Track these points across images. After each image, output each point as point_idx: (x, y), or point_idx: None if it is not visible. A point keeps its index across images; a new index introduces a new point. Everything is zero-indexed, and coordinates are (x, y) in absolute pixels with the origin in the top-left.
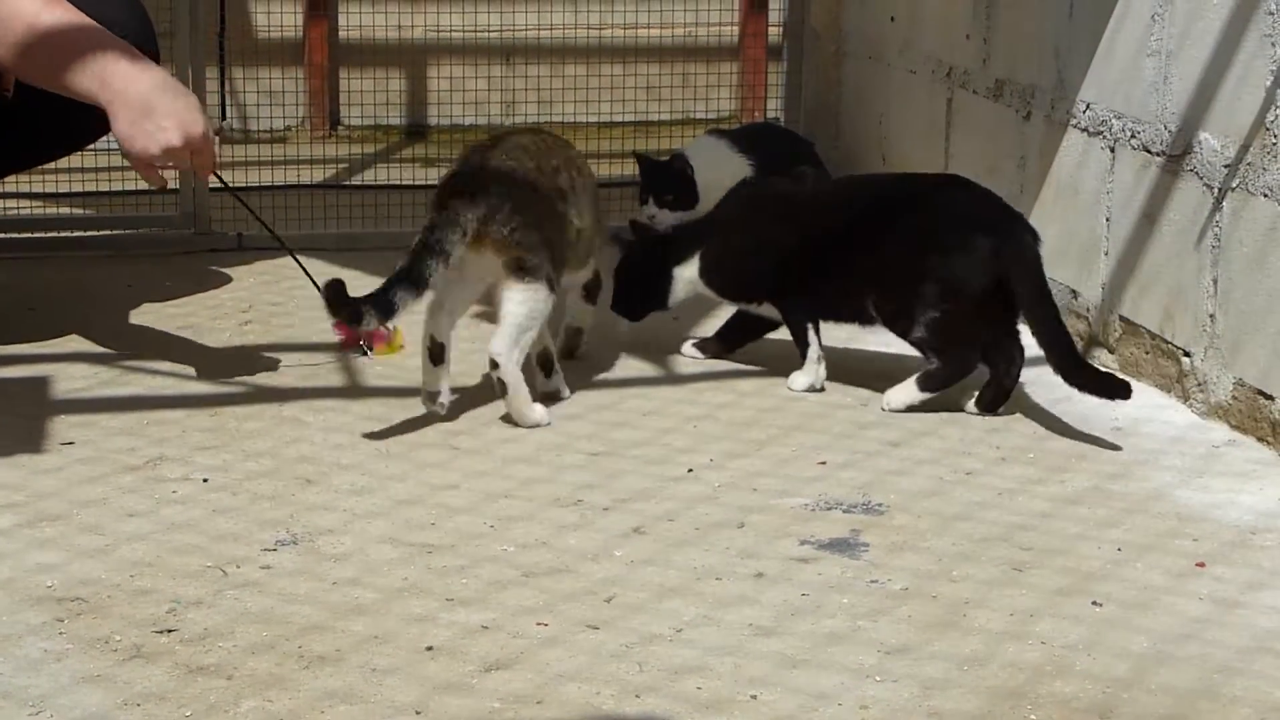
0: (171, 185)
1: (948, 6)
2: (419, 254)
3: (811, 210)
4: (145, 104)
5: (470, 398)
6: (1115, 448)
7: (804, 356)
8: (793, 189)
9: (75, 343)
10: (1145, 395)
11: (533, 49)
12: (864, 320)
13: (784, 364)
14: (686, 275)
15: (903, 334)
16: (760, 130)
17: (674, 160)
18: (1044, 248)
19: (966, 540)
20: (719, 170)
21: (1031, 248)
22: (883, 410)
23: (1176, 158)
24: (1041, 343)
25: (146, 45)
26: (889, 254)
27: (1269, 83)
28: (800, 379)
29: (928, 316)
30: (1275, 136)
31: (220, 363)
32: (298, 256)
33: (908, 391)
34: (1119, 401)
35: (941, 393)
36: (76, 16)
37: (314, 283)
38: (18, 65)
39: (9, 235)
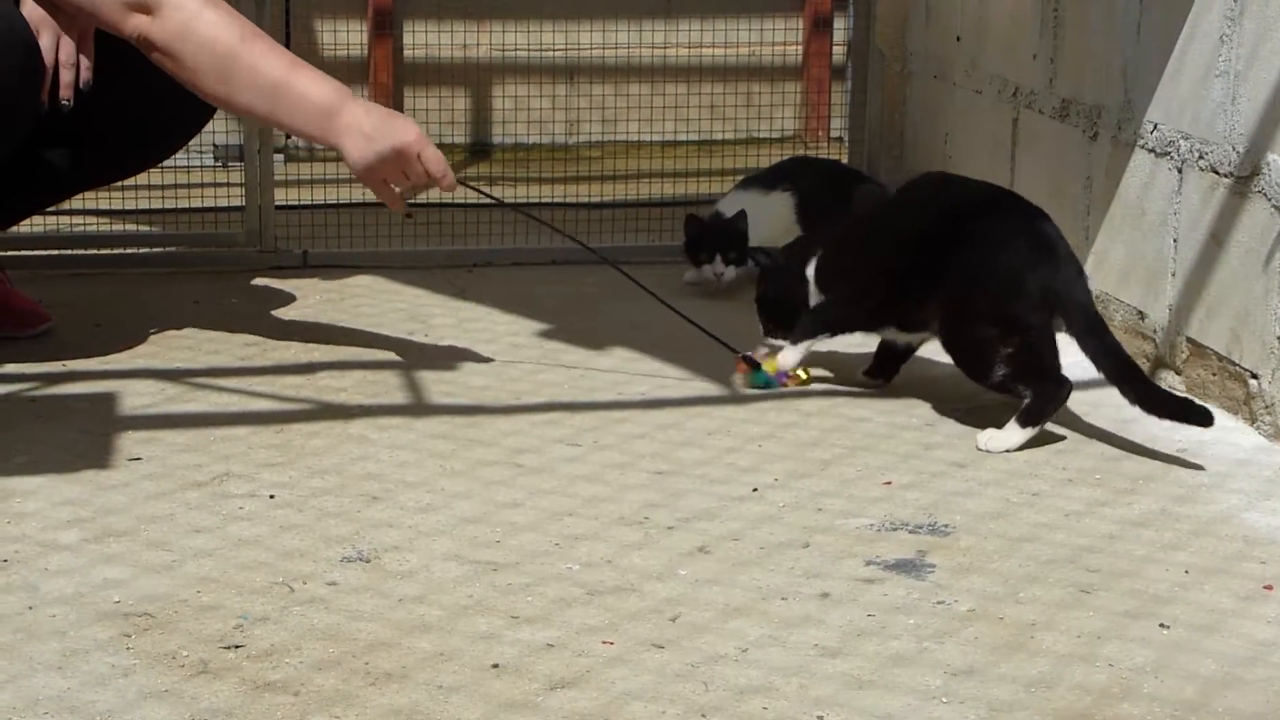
0: (237, 203)
1: (1014, 26)
2: None
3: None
4: (369, 129)
5: (532, 417)
6: (1182, 470)
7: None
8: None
9: (141, 359)
10: None
11: (596, 68)
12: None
13: (848, 385)
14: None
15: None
16: (794, 165)
17: (737, 219)
18: (1111, 269)
19: (1033, 562)
20: (762, 215)
21: (1075, 282)
22: (978, 449)
23: (1244, 179)
24: (1111, 377)
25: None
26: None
27: None
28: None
29: (1001, 354)
30: None
31: (285, 380)
32: (631, 275)
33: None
34: (1198, 428)
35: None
36: (293, 60)
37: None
38: (238, 108)
39: (74, 252)
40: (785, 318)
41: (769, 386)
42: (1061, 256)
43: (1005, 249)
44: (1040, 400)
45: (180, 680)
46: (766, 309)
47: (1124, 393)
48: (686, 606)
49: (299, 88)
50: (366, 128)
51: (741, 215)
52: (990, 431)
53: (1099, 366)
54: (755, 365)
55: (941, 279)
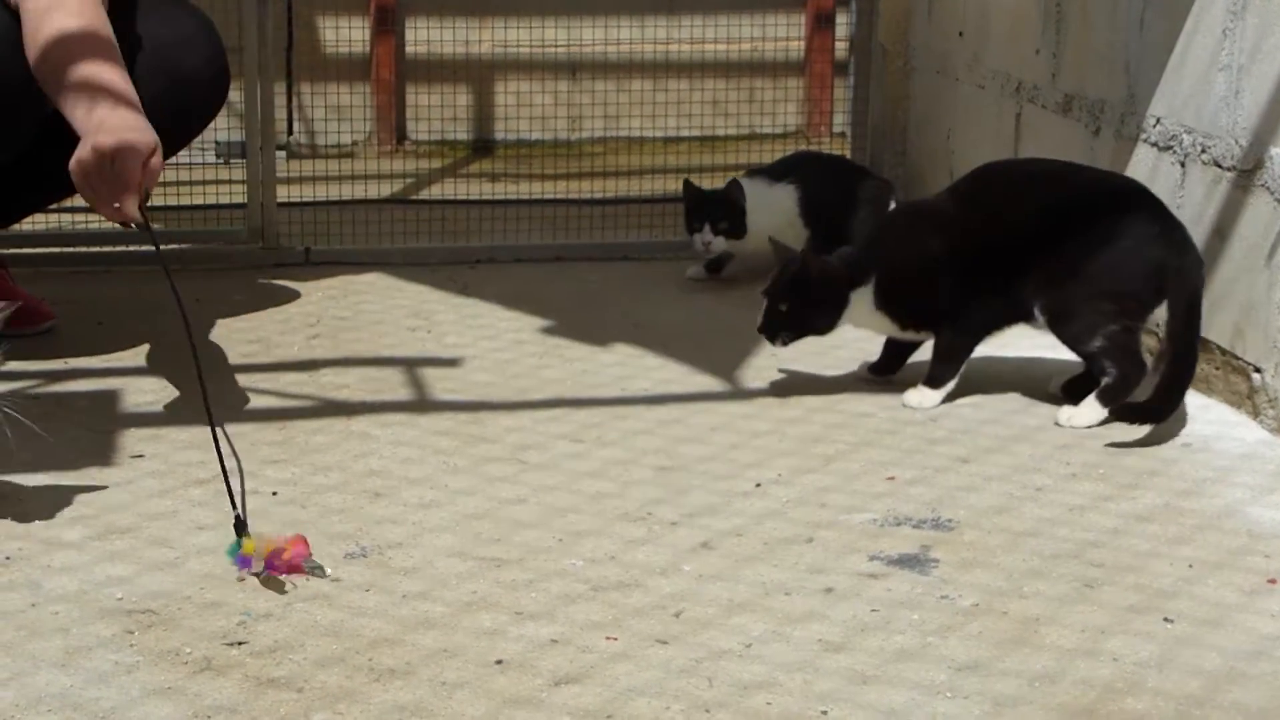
0: (239, 200)
1: (1016, 21)
2: None
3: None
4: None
5: (535, 413)
6: (1186, 464)
7: (943, 381)
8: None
9: (144, 357)
10: (1216, 412)
11: (599, 65)
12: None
13: (843, 380)
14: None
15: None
16: (801, 159)
17: (729, 188)
18: None
19: (1037, 557)
20: (765, 206)
21: (1195, 270)
22: (1058, 424)
23: (1247, 173)
24: (1166, 346)
25: (216, 60)
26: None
27: None
28: (929, 398)
29: (1107, 329)
30: None
31: (288, 377)
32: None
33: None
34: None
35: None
36: (96, 30)
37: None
38: (35, 68)
39: (77, 249)
40: (797, 326)
41: (233, 562)
42: (1189, 244)
43: (1141, 231)
44: (1124, 382)
45: (183, 677)
46: (777, 316)
47: (1162, 368)
48: (690, 602)
49: (81, 62)
50: (107, 124)
51: (735, 185)
52: (1068, 409)
53: (1170, 338)
54: (239, 533)
55: (1053, 256)
